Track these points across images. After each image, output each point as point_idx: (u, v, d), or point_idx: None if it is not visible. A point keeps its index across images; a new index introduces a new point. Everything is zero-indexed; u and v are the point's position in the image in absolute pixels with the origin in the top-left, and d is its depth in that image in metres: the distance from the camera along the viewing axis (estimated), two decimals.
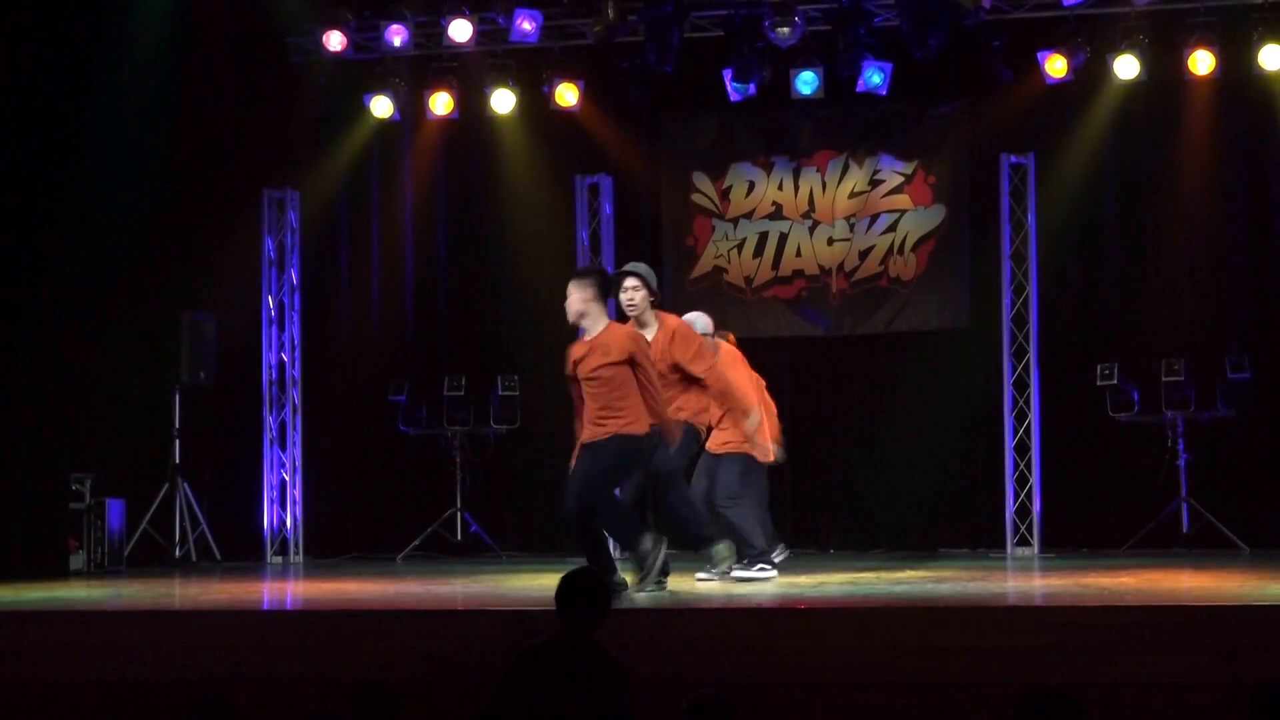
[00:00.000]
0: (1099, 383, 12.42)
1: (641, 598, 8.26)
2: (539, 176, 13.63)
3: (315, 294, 13.84)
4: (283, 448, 13.56)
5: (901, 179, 13.27)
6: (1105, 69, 12.44)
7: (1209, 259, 12.73)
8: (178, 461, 12.63)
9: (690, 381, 9.12)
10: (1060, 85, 12.59)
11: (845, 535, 13.06)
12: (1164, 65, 12.36)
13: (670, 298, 13.59)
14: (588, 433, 8.45)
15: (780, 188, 13.47)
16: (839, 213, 13.35)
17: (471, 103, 13.32)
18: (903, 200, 13.26)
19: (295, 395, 13.62)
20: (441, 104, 13.23)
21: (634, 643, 7.21)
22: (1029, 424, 12.70)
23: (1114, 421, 12.44)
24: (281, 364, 13.64)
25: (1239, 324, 12.57)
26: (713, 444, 9.76)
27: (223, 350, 12.93)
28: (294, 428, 13.58)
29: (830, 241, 13.35)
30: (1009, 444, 12.73)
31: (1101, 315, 12.91)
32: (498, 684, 5.66)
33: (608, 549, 8.75)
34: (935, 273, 13.16)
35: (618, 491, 8.70)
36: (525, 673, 5.66)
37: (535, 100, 13.24)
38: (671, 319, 9.33)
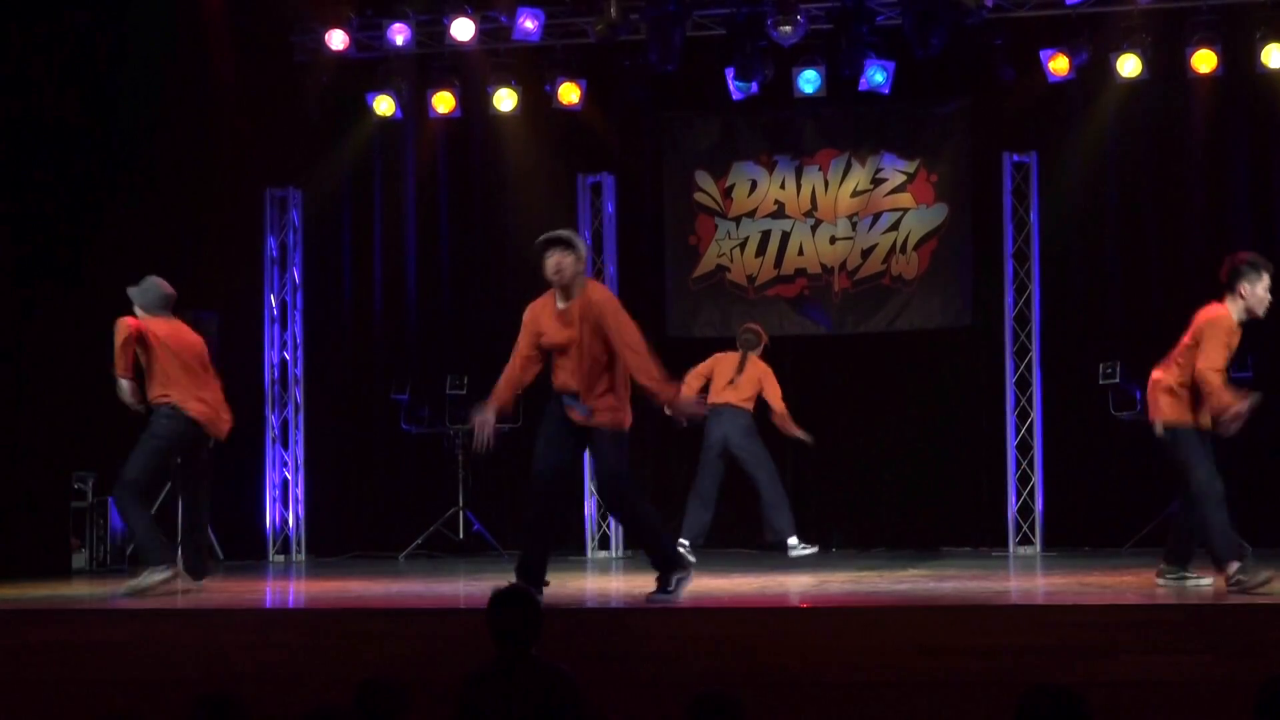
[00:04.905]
0: (1101, 381, 12.42)
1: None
2: (541, 175, 13.62)
3: (317, 292, 13.84)
4: (285, 446, 13.57)
5: (904, 178, 13.28)
6: (1107, 68, 12.43)
7: (1211, 258, 12.68)
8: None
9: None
10: (1063, 84, 12.59)
11: (847, 534, 13.07)
12: (1166, 64, 12.36)
13: (673, 296, 13.63)
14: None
15: (782, 186, 13.48)
16: (841, 211, 13.36)
17: (474, 101, 13.33)
18: (905, 199, 13.27)
19: (297, 394, 13.62)
20: (444, 103, 13.22)
21: (635, 643, 7.23)
22: (1031, 423, 12.70)
23: (1116, 420, 12.43)
24: (284, 362, 13.64)
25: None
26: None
27: (225, 349, 12.92)
28: (296, 426, 13.58)
29: (832, 240, 13.36)
30: (1011, 443, 12.73)
31: (1104, 314, 12.91)
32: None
33: None
34: (937, 271, 13.16)
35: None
36: (472, 702, 5.67)
37: (537, 99, 13.24)
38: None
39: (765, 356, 12.01)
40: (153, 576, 8.96)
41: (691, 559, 8.66)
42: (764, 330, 12.05)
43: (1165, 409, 8.23)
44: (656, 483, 13.00)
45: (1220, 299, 8.31)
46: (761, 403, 11.89)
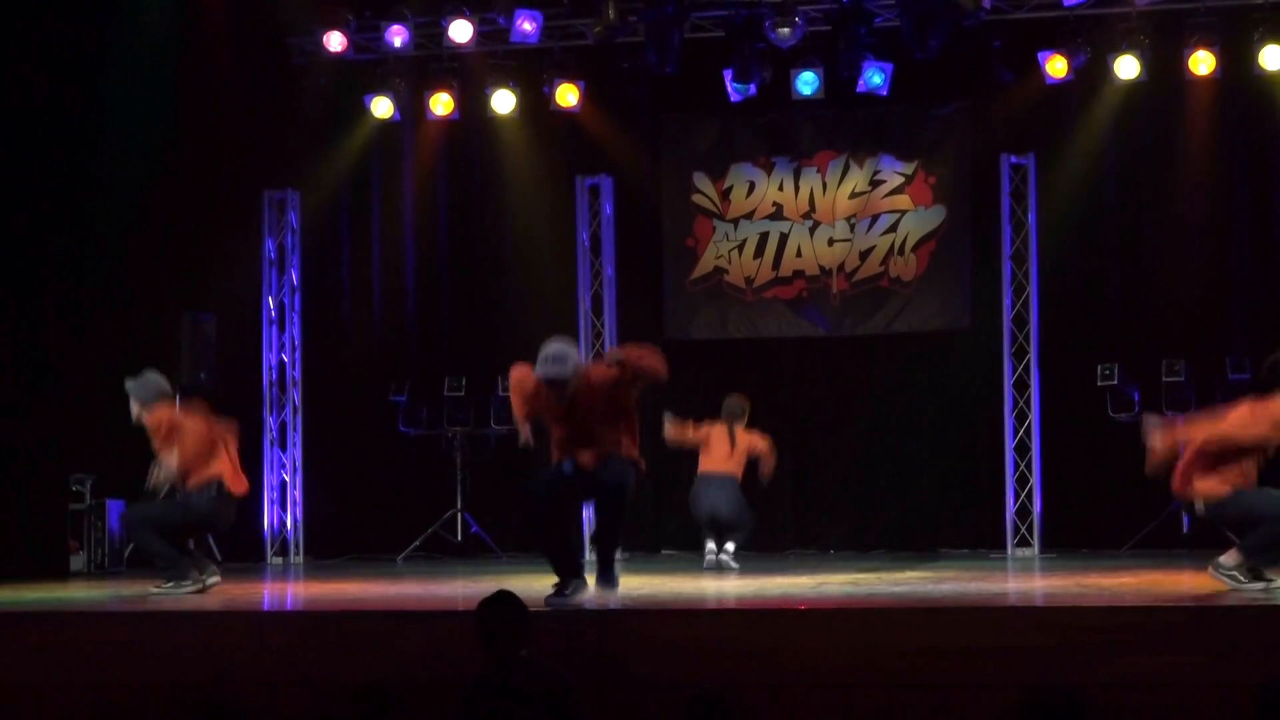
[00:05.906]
0: (1099, 383, 12.42)
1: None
2: (540, 177, 13.63)
3: (316, 295, 13.84)
4: (283, 448, 13.56)
5: (902, 179, 13.28)
6: (1106, 69, 12.44)
7: (1209, 259, 12.73)
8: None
9: None
10: (1061, 85, 12.60)
11: (846, 536, 13.06)
12: (1164, 65, 12.37)
13: (671, 298, 13.63)
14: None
15: (781, 188, 13.48)
16: (839, 213, 13.36)
17: (472, 103, 13.33)
18: (903, 201, 13.27)
19: (295, 396, 13.62)
20: (442, 104, 13.23)
21: (634, 643, 7.22)
22: (1029, 424, 12.70)
23: (1114, 422, 12.43)
24: (282, 364, 13.64)
25: (1239, 324, 12.57)
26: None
27: (223, 351, 12.92)
28: (294, 428, 13.58)
29: (831, 242, 13.36)
30: (1009, 444, 12.73)
31: (1102, 316, 12.91)
32: None
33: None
34: (936, 273, 13.17)
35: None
36: (471, 706, 5.69)
37: (536, 101, 13.24)
38: None
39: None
40: (180, 589, 9.08)
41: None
42: (748, 401, 11.62)
43: (1203, 491, 8.10)
44: (654, 481, 13.01)
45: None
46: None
